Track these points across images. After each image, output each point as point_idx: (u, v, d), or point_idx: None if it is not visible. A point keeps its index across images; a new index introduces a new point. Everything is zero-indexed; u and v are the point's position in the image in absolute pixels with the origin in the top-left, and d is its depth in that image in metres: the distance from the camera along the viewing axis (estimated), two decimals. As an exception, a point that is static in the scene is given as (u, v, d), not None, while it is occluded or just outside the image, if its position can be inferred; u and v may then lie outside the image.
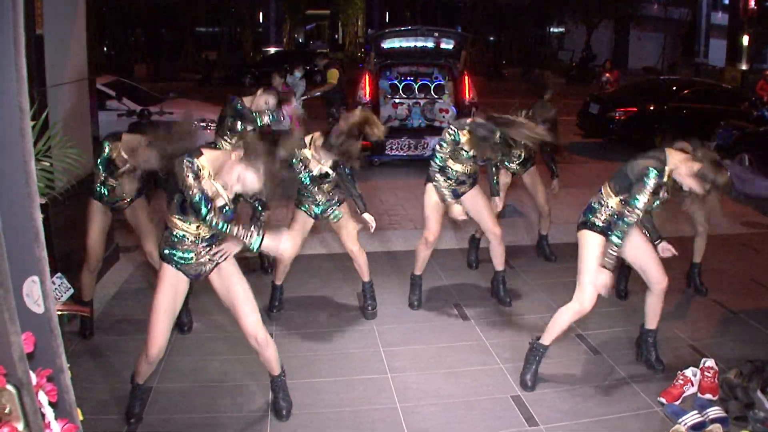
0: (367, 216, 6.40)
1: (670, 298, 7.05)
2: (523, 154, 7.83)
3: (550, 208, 8.39)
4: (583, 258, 5.19)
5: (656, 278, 5.42)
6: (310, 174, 6.16)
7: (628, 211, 4.92)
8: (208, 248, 4.56)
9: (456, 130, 6.38)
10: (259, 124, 7.44)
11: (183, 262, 4.53)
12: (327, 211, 6.30)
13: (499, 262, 7.01)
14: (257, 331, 4.67)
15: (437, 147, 6.50)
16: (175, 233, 4.48)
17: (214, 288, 4.73)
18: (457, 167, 6.56)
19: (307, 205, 6.38)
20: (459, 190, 6.65)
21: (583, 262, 5.18)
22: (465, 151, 6.43)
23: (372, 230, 6.44)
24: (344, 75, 14.98)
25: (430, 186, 6.71)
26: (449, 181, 6.59)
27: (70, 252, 6.43)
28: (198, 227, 4.43)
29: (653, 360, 5.68)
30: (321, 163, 6.15)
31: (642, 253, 5.40)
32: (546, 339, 5.40)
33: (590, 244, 5.18)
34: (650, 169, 4.87)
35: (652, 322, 5.64)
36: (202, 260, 4.58)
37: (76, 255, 6.53)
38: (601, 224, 5.16)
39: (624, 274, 7.16)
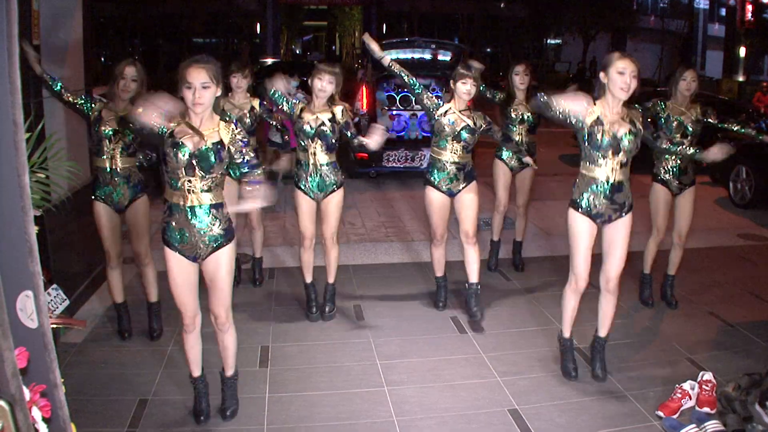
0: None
1: (668, 312, 7.06)
2: (520, 146, 7.92)
3: (527, 211, 8.46)
4: (570, 241, 5.48)
5: (607, 274, 5.44)
6: (310, 127, 6.41)
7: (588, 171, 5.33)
8: (200, 227, 4.62)
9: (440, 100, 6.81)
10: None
11: (179, 243, 4.64)
12: (323, 186, 6.51)
13: (472, 273, 6.88)
14: (221, 308, 4.76)
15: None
16: (169, 206, 4.65)
17: (203, 271, 4.77)
18: (446, 157, 6.64)
19: (304, 182, 6.50)
20: (453, 189, 6.70)
21: (570, 244, 5.48)
22: (449, 121, 6.65)
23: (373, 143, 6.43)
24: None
25: (428, 189, 6.77)
26: (443, 177, 6.67)
27: (65, 264, 6.41)
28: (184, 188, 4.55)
29: (597, 368, 5.69)
30: (317, 116, 6.43)
31: (616, 238, 5.43)
32: (564, 332, 5.72)
33: (570, 225, 5.45)
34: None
35: (603, 328, 5.66)
36: (197, 243, 4.64)
37: (72, 267, 6.52)
38: (576, 197, 5.39)
39: (647, 282, 7.18)
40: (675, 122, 6.76)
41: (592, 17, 46.31)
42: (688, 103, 6.86)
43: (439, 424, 5.00)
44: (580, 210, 5.36)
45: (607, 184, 5.26)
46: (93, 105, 5.99)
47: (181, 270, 4.68)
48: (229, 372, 5.06)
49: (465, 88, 6.59)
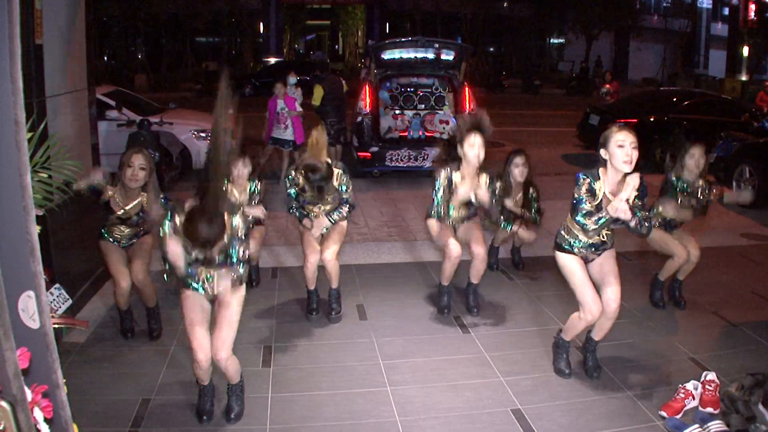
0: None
1: (671, 312, 7.05)
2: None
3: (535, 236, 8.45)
4: (567, 280, 5.59)
5: (608, 299, 5.45)
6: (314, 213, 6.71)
7: (573, 226, 5.47)
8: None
9: (450, 170, 6.66)
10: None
11: (195, 288, 4.82)
12: (329, 225, 6.71)
13: (476, 276, 7.04)
14: (221, 350, 4.74)
15: (433, 193, 6.75)
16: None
17: (214, 308, 4.90)
18: (452, 213, 6.89)
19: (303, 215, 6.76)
20: (457, 226, 7.02)
21: (570, 283, 5.56)
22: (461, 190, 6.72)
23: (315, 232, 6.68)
24: (343, 86, 14.91)
25: (430, 221, 6.93)
26: (447, 219, 6.90)
27: (68, 263, 6.41)
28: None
29: (590, 368, 5.75)
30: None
31: (606, 271, 5.53)
32: (566, 336, 5.79)
33: (563, 265, 5.58)
34: (578, 175, 5.28)
35: (597, 335, 5.72)
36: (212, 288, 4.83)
37: (75, 266, 6.52)
38: (561, 242, 5.57)
39: (659, 286, 7.19)
40: (680, 198, 6.95)
41: (595, 16, 46.31)
42: (696, 177, 6.98)
43: (442, 424, 5.00)
44: (566, 251, 5.54)
45: (593, 243, 5.49)
46: (102, 187, 6.04)
47: (197, 303, 4.81)
48: (234, 381, 5.08)
49: (473, 151, 6.53)
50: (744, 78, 40.59)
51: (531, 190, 7.99)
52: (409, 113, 14.55)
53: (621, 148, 5.07)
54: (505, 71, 47.46)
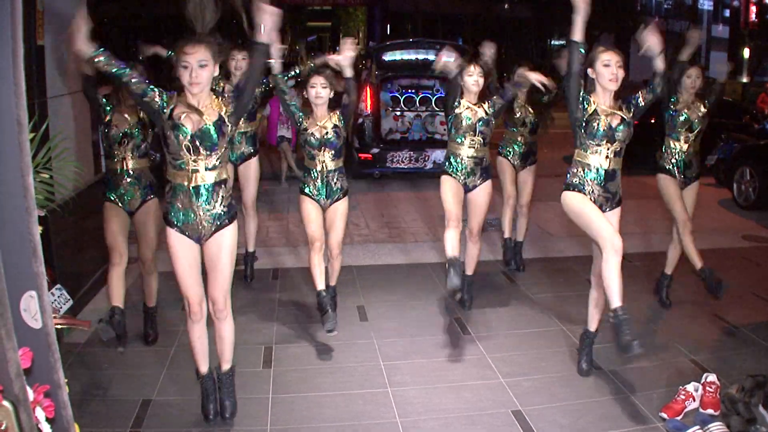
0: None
1: (672, 314, 7.05)
2: (523, 147, 8.17)
3: (530, 211, 8.49)
4: (579, 221, 5.45)
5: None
6: (315, 137, 6.31)
7: (581, 154, 5.52)
8: (204, 206, 4.61)
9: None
10: None
11: (182, 223, 4.62)
12: (330, 193, 6.45)
13: (470, 266, 7.13)
14: (219, 295, 4.69)
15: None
16: (172, 186, 4.63)
17: (204, 253, 4.73)
18: (462, 152, 6.77)
19: (311, 189, 6.43)
20: (470, 183, 6.85)
21: (581, 224, 5.42)
22: (467, 118, 6.75)
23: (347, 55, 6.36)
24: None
25: (444, 176, 6.88)
26: (461, 170, 6.81)
27: (69, 264, 6.42)
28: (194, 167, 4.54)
29: (584, 362, 5.79)
30: (321, 125, 6.33)
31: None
32: (616, 302, 5.18)
33: (571, 204, 5.45)
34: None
35: (592, 323, 5.77)
36: (201, 222, 4.63)
37: (76, 267, 6.52)
38: (570, 180, 5.52)
39: (667, 284, 7.23)
40: (681, 117, 6.86)
41: (596, 18, 46.14)
42: (693, 98, 6.91)
43: (443, 426, 5.00)
44: (575, 189, 5.43)
45: (601, 171, 5.35)
46: (108, 108, 5.92)
47: (185, 251, 4.64)
48: (226, 366, 4.98)
49: (472, 79, 6.74)
50: (745, 80, 40.53)
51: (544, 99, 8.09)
52: (410, 115, 14.54)
53: (607, 67, 5.22)
54: (506, 73, 47.43)
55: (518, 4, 52.09)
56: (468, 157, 6.78)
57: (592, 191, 5.36)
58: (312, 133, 6.27)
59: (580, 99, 5.30)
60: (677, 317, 7.03)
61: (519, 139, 8.11)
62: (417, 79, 14.80)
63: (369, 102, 13.80)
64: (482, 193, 6.90)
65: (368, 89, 13.99)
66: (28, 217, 2.26)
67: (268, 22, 4.51)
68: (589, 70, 5.29)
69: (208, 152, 4.48)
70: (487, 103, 6.84)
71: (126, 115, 5.87)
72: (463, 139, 6.75)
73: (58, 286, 5.38)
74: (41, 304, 2.32)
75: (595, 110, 5.27)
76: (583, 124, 5.31)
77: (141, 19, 43.83)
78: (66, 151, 5.54)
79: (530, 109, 8.06)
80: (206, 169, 4.51)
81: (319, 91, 6.20)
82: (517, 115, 8.02)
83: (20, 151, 2.23)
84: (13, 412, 2.10)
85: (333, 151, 6.33)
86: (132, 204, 5.98)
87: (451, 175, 6.83)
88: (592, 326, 5.75)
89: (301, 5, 57.89)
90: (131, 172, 5.94)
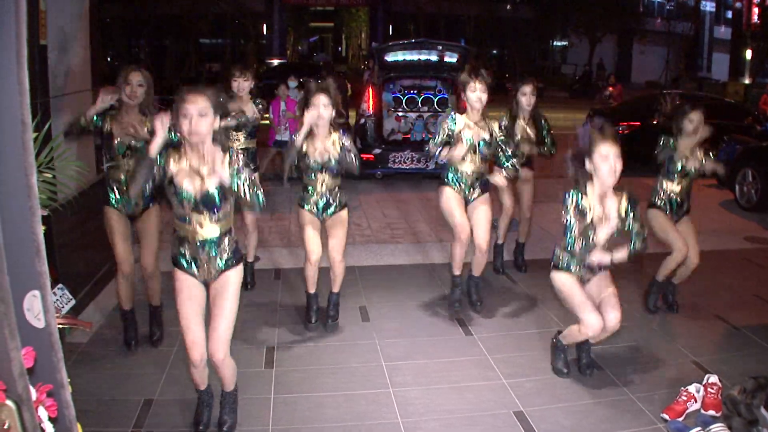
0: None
1: (674, 315, 7.05)
2: (524, 154, 8.07)
3: (532, 215, 8.50)
4: (566, 301, 5.59)
5: (608, 326, 5.46)
6: (317, 162, 6.28)
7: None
8: (211, 254, 4.56)
9: (453, 115, 6.81)
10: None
11: (189, 267, 4.58)
12: (329, 208, 6.46)
13: (477, 269, 7.15)
14: (218, 349, 4.55)
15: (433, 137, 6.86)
16: (179, 236, 4.57)
17: (209, 294, 4.68)
18: (464, 167, 6.79)
19: (310, 205, 6.45)
20: (469, 196, 6.87)
21: (569, 304, 5.55)
22: (465, 139, 6.72)
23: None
24: (347, 88, 14.92)
25: (444, 187, 6.90)
26: (459, 185, 6.83)
27: (72, 263, 6.42)
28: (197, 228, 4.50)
29: (583, 365, 5.80)
30: (322, 148, 6.30)
31: (606, 295, 5.53)
32: (564, 341, 5.80)
33: (560, 285, 5.57)
34: (564, 194, 5.39)
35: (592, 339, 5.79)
36: (208, 269, 4.59)
37: (78, 266, 6.52)
38: (559, 262, 5.56)
39: (656, 290, 7.18)
40: (679, 164, 6.87)
41: (598, 19, 46.32)
42: (695, 144, 6.90)
43: (444, 426, 5.00)
44: (562, 270, 5.54)
45: (588, 257, 5.45)
46: (102, 120, 5.92)
47: (191, 291, 4.59)
48: (229, 388, 4.93)
49: (474, 95, 6.65)
50: (747, 81, 40.55)
51: (543, 121, 8.08)
52: (412, 115, 14.55)
53: (605, 160, 5.14)
54: (508, 74, 47.45)
55: (520, 5, 52.19)
56: (468, 172, 6.82)
57: (579, 271, 5.51)
58: (314, 158, 6.28)
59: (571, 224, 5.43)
60: (679, 318, 7.02)
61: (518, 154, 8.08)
62: (419, 79, 14.80)
63: (371, 102, 13.80)
64: (482, 204, 6.93)
65: (370, 90, 13.99)
66: (31, 217, 2.26)
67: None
68: (586, 162, 5.26)
69: (211, 213, 4.47)
70: (493, 125, 6.87)
71: (131, 129, 5.88)
72: (464, 156, 6.78)
73: (60, 285, 5.38)
74: (44, 304, 2.32)
75: (593, 219, 5.33)
76: (575, 237, 5.44)
77: (143, 19, 43.88)
78: (68, 151, 5.54)
79: (530, 130, 7.98)
80: (211, 222, 4.50)
81: (322, 112, 6.13)
82: (518, 134, 7.96)
83: (24, 151, 2.23)
84: (16, 411, 2.10)
85: (332, 173, 6.36)
86: (135, 210, 6.00)
87: (451, 187, 6.86)
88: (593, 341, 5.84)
89: (304, 6, 58.00)
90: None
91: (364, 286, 7.79)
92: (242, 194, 4.38)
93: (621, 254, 5.40)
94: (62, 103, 6.57)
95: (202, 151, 4.36)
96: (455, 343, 6.43)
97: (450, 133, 6.72)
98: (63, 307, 5.21)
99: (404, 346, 6.32)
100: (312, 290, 6.73)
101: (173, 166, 4.38)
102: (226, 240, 4.58)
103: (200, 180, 4.38)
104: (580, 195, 5.28)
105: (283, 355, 6.11)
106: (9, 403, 2.08)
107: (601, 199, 5.27)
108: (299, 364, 5.94)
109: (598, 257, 5.33)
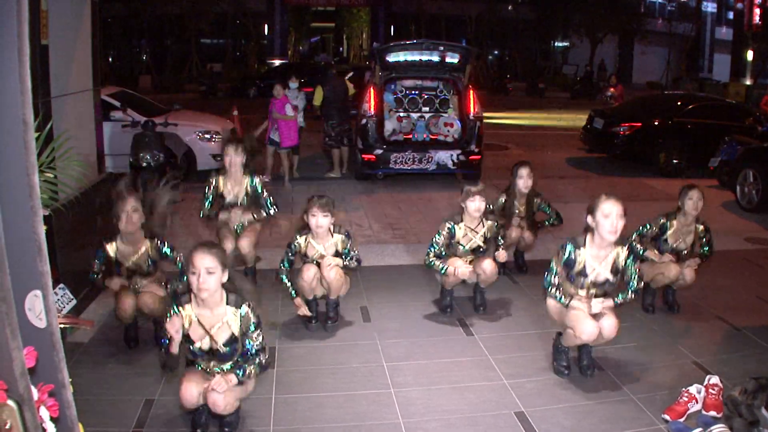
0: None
1: (675, 316, 7.04)
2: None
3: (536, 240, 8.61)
4: (561, 321, 5.75)
5: (605, 334, 5.54)
6: (315, 261, 6.61)
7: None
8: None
9: (453, 224, 6.91)
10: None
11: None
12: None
13: (484, 283, 7.17)
14: (215, 407, 4.58)
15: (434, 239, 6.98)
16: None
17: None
18: (458, 262, 6.91)
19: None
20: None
21: (565, 322, 5.67)
22: (461, 246, 6.96)
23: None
24: (348, 88, 14.92)
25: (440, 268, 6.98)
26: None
27: (72, 263, 6.42)
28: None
29: (584, 366, 5.81)
30: (318, 250, 6.64)
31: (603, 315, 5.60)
32: (564, 342, 5.84)
33: (552, 309, 5.81)
34: (565, 240, 5.57)
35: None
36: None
37: (79, 266, 6.52)
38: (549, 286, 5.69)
39: (651, 292, 7.17)
40: (672, 245, 7.02)
41: (599, 20, 46.32)
42: (692, 222, 7.03)
43: (445, 426, 5.00)
44: (557, 300, 5.67)
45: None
46: (104, 253, 6.07)
47: (197, 377, 4.69)
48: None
49: (474, 205, 6.80)
50: (748, 82, 40.58)
51: (536, 200, 8.30)
52: (414, 116, 14.54)
53: (607, 218, 5.27)
54: (510, 74, 47.47)
55: (521, 5, 52.14)
56: (466, 263, 6.92)
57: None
58: (312, 257, 6.60)
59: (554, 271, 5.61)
60: (680, 319, 7.02)
61: (515, 233, 8.32)
62: (420, 80, 14.78)
63: (372, 103, 13.77)
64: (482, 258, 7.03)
65: (372, 90, 13.97)
66: (33, 217, 2.26)
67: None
68: (588, 218, 5.40)
69: (222, 360, 4.63)
70: (488, 229, 7.04)
71: (136, 255, 6.10)
72: (460, 256, 6.98)
73: (62, 285, 5.38)
74: (46, 304, 2.32)
75: (584, 270, 5.49)
76: (549, 283, 5.61)
77: (144, 19, 43.93)
78: (70, 151, 5.55)
79: (524, 212, 8.34)
80: (222, 363, 4.67)
81: (320, 221, 6.40)
82: (513, 216, 8.28)
83: (25, 151, 2.23)
84: (18, 411, 2.10)
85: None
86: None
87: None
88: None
89: (305, 6, 58.00)
90: (141, 283, 6.18)
91: (365, 287, 7.78)
92: (249, 344, 4.62)
93: (609, 303, 5.55)
94: (64, 102, 6.57)
95: (212, 305, 4.55)
96: (456, 343, 6.43)
97: (448, 242, 6.94)
98: (64, 307, 5.21)
99: (405, 346, 6.32)
100: (310, 297, 6.78)
101: (185, 320, 4.55)
102: (237, 364, 4.70)
103: (210, 338, 4.55)
104: (574, 248, 5.48)
105: (284, 355, 6.11)
106: (10, 402, 2.08)
107: (599, 253, 5.47)
108: (300, 364, 5.94)
109: (594, 306, 5.50)
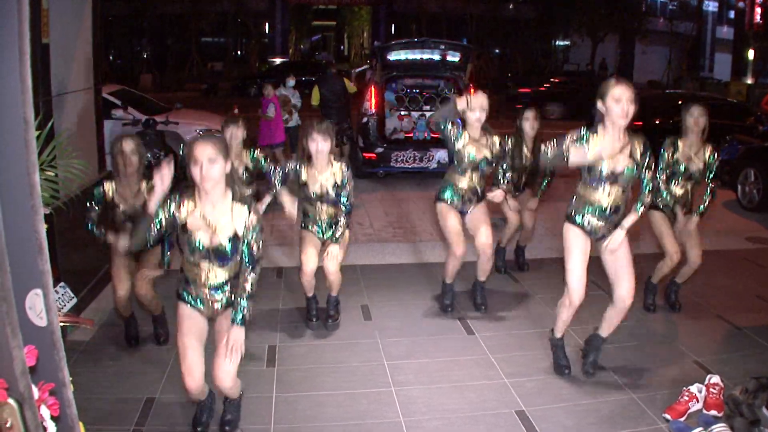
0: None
1: (675, 315, 7.04)
2: (519, 180, 8.20)
3: (536, 215, 8.50)
4: (564, 254, 5.57)
5: (621, 295, 5.43)
6: (315, 194, 6.40)
7: (584, 190, 5.44)
8: (216, 296, 4.55)
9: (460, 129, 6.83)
10: None
11: (194, 303, 4.56)
12: (332, 234, 6.51)
13: (483, 274, 7.15)
14: (224, 380, 4.49)
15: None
16: (185, 276, 4.57)
17: (216, 331, 4.61)
18: (462, 183, 6.82)
19: (311, 226, 6.59)
20: (465, 209, 6.92)
21: (565, 258, 5.55)
22: (469, 154, 6.76)
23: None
24: (348, 87, 14.91)
25: (441, 204, 6.93)
26: (457, 199, 6.87)
27: (73, 261, 6.42)
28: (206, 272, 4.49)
29: (589, 363, 5.76)
30: (321, 182, 6.40)
31: (619, 263, 5.44)
32: (558, 332, 5.81)
33: (566, 238, 5.54)
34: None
35: (605, 330, 5.70)
36: (211, 306, 4.57)
37: (80, 264, 6.52)
38: (572, 212, 5.51)
39: (652, 290, 7.16)
40: (682, 166, 6.84)
41: (601, 19, 46.29)
42: (700, 142, 6.89)
43: (446, 425, 5.00)
44: (575, 224, 5.45)
45: (604, 209, 5.34)
46: (102, 190, 5.98)
47: (194, 326, 4.54)
48: (234, 397, 4.88)
49: (474, 116, 6.72)
50: (749, 81, 40.53)
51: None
52: (415, 114, 14.53)
53: (618, 102, 5.09)
54: (511, 73, 47.42)
55: (522, 4, 52.13)
56: (466, 188, 6.86)
57: (593, 223, 5.42)
58: (312, 189, 6.42)
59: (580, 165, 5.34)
60: (681, 318, 7.02)
61: (518, 176, 8.14)
62: (422, 78, 14.78)
63: (373, 101, 13.78)
64: (479, 213, 6.97)
65: (373, 89, 13.97)
66: (33, 215, 2.26)
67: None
68: (598, 103, 5.20)
69: (221, 262, 4.45)
70: (494, 144, 6.89)
71: (134, 198, 6.00)
72: (463, 173, 6.83)
73: (62, 284, 5.37)
74: (47, 302, 2.32)
75: (599, 152, 5.22)
76: (587, 167, 5.30)
77: (145, 18, 43.95)
78: (70, 150, 5.54)
79: (533, 155, 8.07)
80: (220, 269, 4.48)
81: (320, 146, 6.25)
82: (522, 158, 8.04)
83: (26, 149, 2.23)
84: (18, 410, 2.10)
85: (331, 203, 6.46)
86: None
87: (447, 203, 6.89)
88: (605, 332, 5.76)
89: (306, 4, 57.98)
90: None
91: (366, 285, 7.78)
92: (248, 248, 4.39)
93: (631, 218, 5.39)
94: (65, 101, 6.57)
95: (215, 199, 4.36)
96: (457, 342, 6.43)
97: (455, 137, 6.79)
98: (65, 306, 5.20)
99: (406, 345, 6.32)
100: (310, 294, 6.79)
101: (185, 214, 4.37)
102: (233, 284, 4.54)
103: (212, 231, 4.37)
104: (588, 133, 5.26)
105: (285, 353, 6.11)
106: (11, 401, 2.08)
107: (613, 144, 5.23)
108: (301, 363, 5.94)
109: (616, 239, 5.35)
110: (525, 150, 8.03)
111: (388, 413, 5.15)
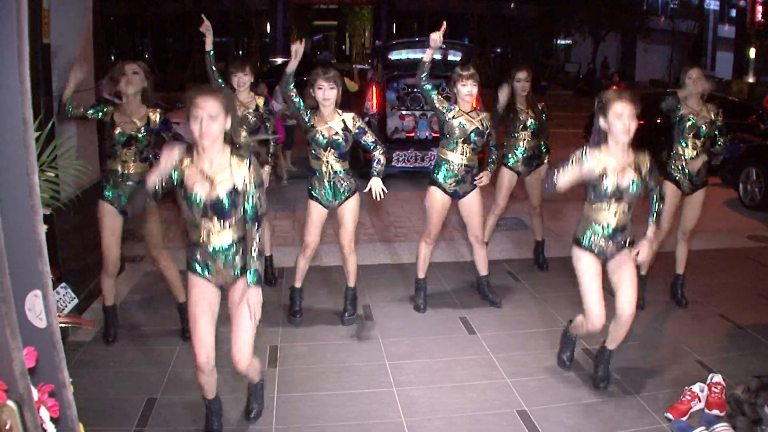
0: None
1: (677, 314, 7.03)
2: (526, 151, 8.14)
3: (542, 211, 8.48)
4: (578, 280, 5.41)
5: (622, 307, 5.29)
6: (323, 136, 6.33)
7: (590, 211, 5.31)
8: (225, 262, 4.46)
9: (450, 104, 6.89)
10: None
11: (204, 272, 4.47)
12: (337, 195, 6.55)
13: (482, 267, 7.21)
14: (241, 358, 4.47)
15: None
16: (192, 242, 4.48)
17: (228, 300, 4.56)
18: (455, 158, 6.81)
19: (317, 191, 6.51)
20: (460, 190, 6.90)
21: (579, 284, 5.40)
22: (462, 125, 6.77)
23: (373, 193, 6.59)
24: (348, 86, 14.90)
25: (433, 189, 6.98)
26: (451, 178, 6.85)
27: (74, 262, 6.41)
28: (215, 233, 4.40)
29: (599, 377, 5.60)
30: (329, 125, 6.36)
31: (623, 275, 5.36)
32: (573, 331, 5.79)
33: (576, 263, 5.40)
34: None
35: (612, 343, 5.55)
36: (222, 274, 4.49)
37: (81, 265, 6.52)
38: (579, 236, 5.36)
39: (643, 283, 7.13)
40: (688, 122, 6.79)
41: (602, 18, 46.26)
42: (701, 102, 6.86)
43: (448, 425, 4.99)
44: (583, 248, 5.34)
45: (609, 228, 5.25)
46: (105, 109, 5.92)
47: (203, 294, 4.46)
48: (255, 381, 4.96)
49: (465, 89, 6.73)
50: (751, 80, 40.47)
51: (540, 105, 8.27)
52: (416, 114, 14.52)
53: (619, 118, 5.05)
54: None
55: (524, 3, 52.11)
56: (458, 164, 6.82)
57: (599, 244, 5.29)
58: (320, 131, 6.30)
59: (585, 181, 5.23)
60: (683, 317, 7.01)
61: (521, 144, 8.07)
62: None
63: (375, 101, 13.78)
64: (473, 199, 6.97)
65: (374, 88, 13.97)
66: (33, 216, 2.25)
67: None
68: (600, 121, 5.14)
69: (221, 219, 4.34)
70: (485, 119, 6.90)
71: (134, 119, 5.89)
72: (455, 146, 6.81)
73: (63, 284, 5.38)
74: (46, 304, 2.31)
75: (604, 168, 5.12)
76: (592, 184, 5.19)
77: (146, 17, 43.97)
78: (71, 150, 5.54)
79: (531, 112, 8.02)
80: (222, 228, 4.37)
81: (327, 93, 6.19)
82: (521, 117, 7.98)
83: (26, 150, 2.22)
84: (18, 411, 2.09)
85: (338, 153, 6.36)
86: (127, 207, 5.96)
87: (440, 187, 6.90)
88: (612, 345, 5.69)
89: (308, 4, 57.96)
90: (131, 176, 5.93)
91: (368, 285, 7.77)
92: (251, 205, 4.31)
93: (651, 228, 5.36)
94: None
95: (213, 155, 4.27)
96: (458, 341, 6.43)
97: (446, 109, 6.84)
98: (66, 306, 5.21)
99: (407, 344, 6.32)
100: (299, 285, 6.83)
101: (185, 169, 4.28)
102: (240, 248, 4.46)
103: (210, 185, 4.26)
104: (590, 153, 5.14)
105: (286, 353, 6.11)
106: (10, 403, 2.08)
107: (617, 158, 5.17)
108: (302, 363, 5.94)
109: (645, 249, 5.28)
110: (520, 114, 8.10)
111: (390, 413, 5.15)
